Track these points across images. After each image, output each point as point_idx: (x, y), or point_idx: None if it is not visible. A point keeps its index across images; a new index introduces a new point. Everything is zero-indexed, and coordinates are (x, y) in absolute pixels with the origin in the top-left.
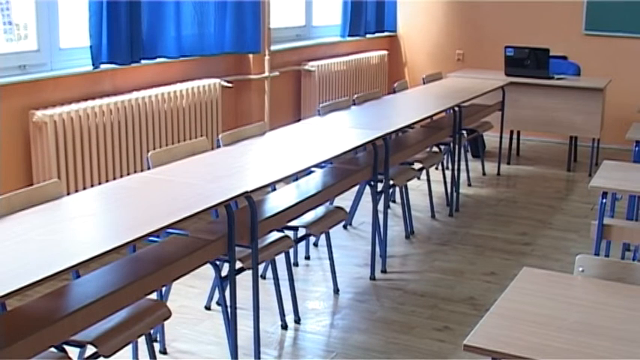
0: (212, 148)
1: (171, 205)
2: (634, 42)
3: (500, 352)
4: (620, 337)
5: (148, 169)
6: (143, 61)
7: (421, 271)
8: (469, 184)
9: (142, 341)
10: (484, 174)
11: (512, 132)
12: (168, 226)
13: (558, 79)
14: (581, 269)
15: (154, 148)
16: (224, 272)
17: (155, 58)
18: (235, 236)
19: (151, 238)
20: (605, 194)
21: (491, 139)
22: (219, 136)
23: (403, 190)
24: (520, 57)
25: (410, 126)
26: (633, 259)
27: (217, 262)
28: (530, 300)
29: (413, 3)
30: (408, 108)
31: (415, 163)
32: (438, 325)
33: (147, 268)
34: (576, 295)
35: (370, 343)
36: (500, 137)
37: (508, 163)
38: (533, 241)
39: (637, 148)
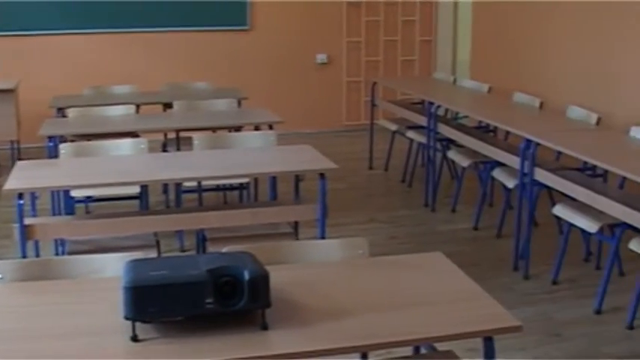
0: None
1: None
2: (39, 39)
3: None
4: (54, 335)
5: None
6: None
7: None
8: None
9: None
10: None
11: None
12: None
13: None
14: (0, 276)
15: None
16: None
17: None
18: None
19: None
20: (21, 195)
21: None
22: None
23: None
24: None
25: None
26: (63, 253)
27: None
28: None
29: None
30: None
31: None
32: None
33: None
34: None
35: None
36: None
37: None
38: None
39: (51, 144)
